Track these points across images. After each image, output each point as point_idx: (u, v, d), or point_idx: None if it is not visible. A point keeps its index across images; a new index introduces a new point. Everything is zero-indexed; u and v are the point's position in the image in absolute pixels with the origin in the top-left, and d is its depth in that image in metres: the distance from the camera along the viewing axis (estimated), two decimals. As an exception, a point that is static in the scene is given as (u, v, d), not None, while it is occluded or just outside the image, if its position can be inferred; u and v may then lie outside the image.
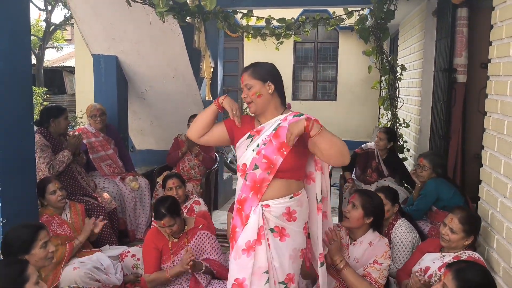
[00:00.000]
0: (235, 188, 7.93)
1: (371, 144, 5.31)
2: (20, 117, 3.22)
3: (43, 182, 3.69)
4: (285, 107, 2.63)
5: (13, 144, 3.13)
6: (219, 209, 6.55)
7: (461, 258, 2.85)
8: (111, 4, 4.58)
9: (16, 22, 3.12)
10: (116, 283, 3.69)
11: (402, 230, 3.50)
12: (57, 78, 18.81)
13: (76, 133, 4.39)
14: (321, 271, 2.66)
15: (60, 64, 18.78)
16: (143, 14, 4.55)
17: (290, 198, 2.49)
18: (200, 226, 3.44)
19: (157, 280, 3.28)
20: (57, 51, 20.15)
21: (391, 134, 5.18)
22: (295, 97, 11.84)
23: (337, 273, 2.98)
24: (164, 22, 4.22)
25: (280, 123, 2.52)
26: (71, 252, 3.55)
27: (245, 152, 2.52)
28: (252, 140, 2.54)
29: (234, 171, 8.99)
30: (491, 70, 3.19)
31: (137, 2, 4.20)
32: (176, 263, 3.30)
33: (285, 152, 2.43)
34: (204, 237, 3.41)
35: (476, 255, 2.88)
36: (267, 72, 2.56)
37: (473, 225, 2.95)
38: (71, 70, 18.41)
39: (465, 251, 2.92)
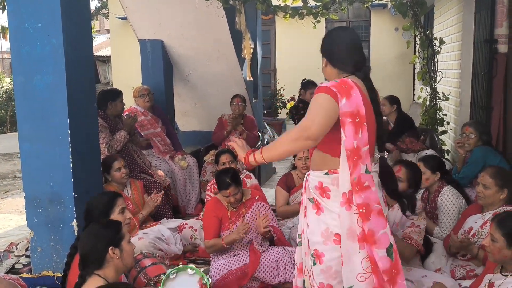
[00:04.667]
0: (275, 167, 8.09)
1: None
2: (85, 99, 3.46)
3: (109, 160, 3.94)
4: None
5: (81, 125, 3.39)
6: (261, 186, 6.74)
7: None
8: (158, -10, 4.78)
9: (80, 12, 3.36)
10: (176, 252, 3.94)
11: (448, 197, 3.62)
12: (91, 68, 19.17)
13: (132, 114, 4.62)
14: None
15: (94, 54, 19.16)
16: (189, -2, 4.74)
17: (325, 173, 2.29)
18: (256, 197, 3.64)
19: (215, 246, 3.48)
20: (90, 41, 20.51)
21: (391, 98, 5.54)
22: (328, 77, 11.89)
23: None
24: (227, 4, 4.35)
25: None
26: (138, 225, 3.82)
27: None
28: None
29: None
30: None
31: (185, -14, 4.38)
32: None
33: None
34: (260, 208, 3.60)
35: None
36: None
37: (504, 178, 3.09)
38: (103, 60, 18.82)
39: (503, 206, 3.07)
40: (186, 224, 4.21)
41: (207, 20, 5.11)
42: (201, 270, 2.83)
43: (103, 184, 3.92)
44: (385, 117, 5.58)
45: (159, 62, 5.59)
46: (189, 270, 2.72)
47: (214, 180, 4.41)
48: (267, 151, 2.24)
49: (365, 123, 2.18)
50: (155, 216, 4.34)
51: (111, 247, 2.24)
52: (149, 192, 4.32)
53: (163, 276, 2.80)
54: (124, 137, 4.46)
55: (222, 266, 3.33)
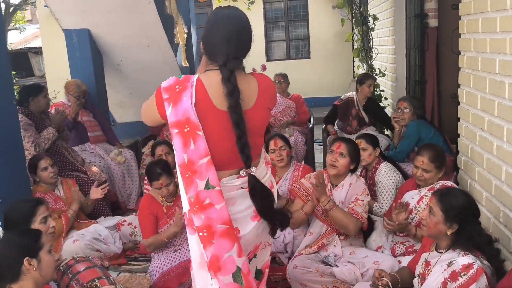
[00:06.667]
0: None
1: (350, 94, 5.47)
2: (2, 97, 3.20)
3: (34, 159, 3.73)
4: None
5: (-1, 124, 3.13)
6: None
7: (435, 188, 3.03)
8: (78, -25, 4.49)
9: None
10: (116, 251, 3.79)
11: (385, 172, 3.65)
12: (23, 61, 18.26)
13: (60, 109, 4.37)
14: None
15: (25, 46, 18.22)
16: (112, -17, 4.48)
17: None
18: None
19: (155, 243, 3.35)
20: (20, 33, 19.53)
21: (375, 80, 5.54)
22: (269, 58, 11.80)
23: (325, 216, 3.11)
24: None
25: None
26: (68, 223, 3.63)
27: None
28: None
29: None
30: (463, 10, 3.27)
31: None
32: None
33: None
34: None
35: (448, 182, 3.08)
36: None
37: (441, 159, 3.14)
38: (36, 51, 17.90)
39: (438, 181, 3.11)
40: (125, 221, 4.06)
41: (134, 6, 4.86)
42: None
43: (32, 185, 3.70)
44: (350, 93, 5.48)
45: (87, 52, 5.30)
46: None
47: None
48: None
49: (199, 132, 1.84)
50: (92, 215, 4.15)
51: (27, 258, 2.06)
52: (83, 190, 4.12)
53: (97, 281, 2.63)
54: (52, 134, 4.22)
55: (161, 264, 3.20)
